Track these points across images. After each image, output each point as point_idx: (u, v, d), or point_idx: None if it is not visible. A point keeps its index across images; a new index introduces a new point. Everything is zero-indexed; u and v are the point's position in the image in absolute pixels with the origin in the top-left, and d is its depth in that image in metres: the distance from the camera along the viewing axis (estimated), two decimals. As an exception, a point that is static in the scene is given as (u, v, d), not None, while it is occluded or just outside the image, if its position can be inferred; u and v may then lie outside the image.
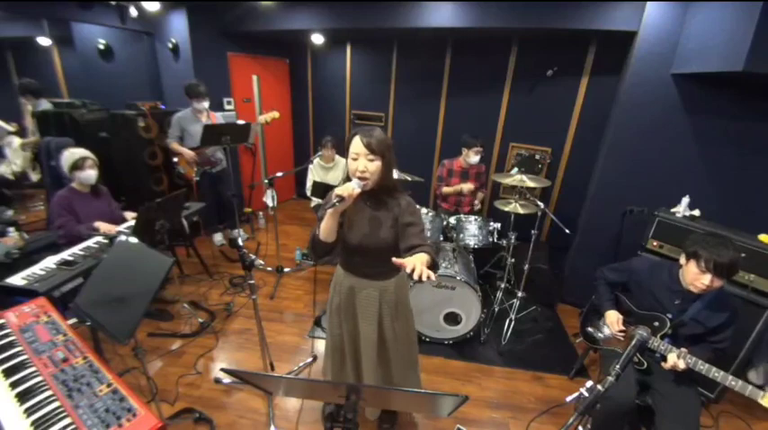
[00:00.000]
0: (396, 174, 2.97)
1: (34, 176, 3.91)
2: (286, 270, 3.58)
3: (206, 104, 3.43)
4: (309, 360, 2.52)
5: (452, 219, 2.91)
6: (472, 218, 2.86)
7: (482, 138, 3.21)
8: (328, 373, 1.86)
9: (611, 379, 1.13)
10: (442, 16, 3.17)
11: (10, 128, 3.67)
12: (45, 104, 3.69)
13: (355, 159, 1.36)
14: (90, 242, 2.35)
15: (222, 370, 1.18)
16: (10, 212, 3.80)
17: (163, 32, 4.07)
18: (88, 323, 1.57)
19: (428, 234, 2.77)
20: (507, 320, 2.89)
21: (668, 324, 1.73)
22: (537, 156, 4.05)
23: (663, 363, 1.66)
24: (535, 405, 2.30)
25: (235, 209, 3.43)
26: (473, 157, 3.20)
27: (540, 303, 3.23)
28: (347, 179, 1.43)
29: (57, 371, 1.29)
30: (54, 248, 2.34)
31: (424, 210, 2.80)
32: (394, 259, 1.10)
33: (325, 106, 5.18)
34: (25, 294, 1.80)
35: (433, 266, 1.16)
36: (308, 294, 3.25)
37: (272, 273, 3.57)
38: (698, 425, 1.65)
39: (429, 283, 2.56)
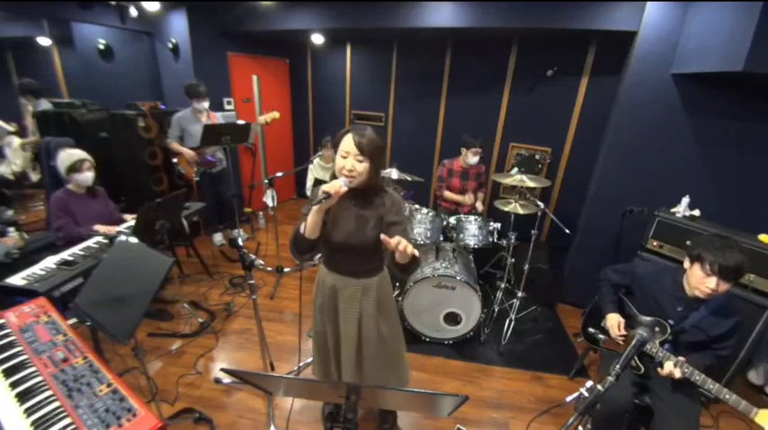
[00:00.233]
0: (396, 174, 3.00)
1: (34, 176, 3.92)
2: (286, 270, 3.58)
3: (206, 104, 3.43)
4: (309, 360, 2.52)
5: (452, 219, 2.91)
6: (472, 218, 2.86)
7: (482, 138, 3.21)
8: (317, 373, 1.86)
9: (611, 379, 1.13)
10: (442, 16, 3.17)
11: (10, 128, 3.68)
12: (45, 104, 3.69)
13: (344, 157, 1.36)
14: (90, 242, 2.35)
15: (222, 370, 1.18)
16: (10, 212, 3.81)
17: (163, 32, 4.07)
18: (88, 323, 1.57)
19: (428, 234, 2.77)
20: (507, 320, 2.89)
21: (669, 330, 1.70)
22: (537, 156, 4.05)
23: (659, 369, 1.63)
24: (535, 405, 2.30)
25: (235, 209, 3.43)
26: (471, 158, 3.20)
27: (540, 303, 3.23)
28: (334, 176, 1.42)
29: (57, 371, 1.29)
30: (54, 248, 2.34)
31: (424, 211, 2.80)
32: (382, 236, 1.15)
33: (325, 106, 5.18)
34: (25, 294, 1.80)
35: (413, 259, 1.23)
36: (308, 294, 3.23)
37: (272, 273, 3.57)
38: (698, 425, 1.65)
39: (429, 283, 2.59)
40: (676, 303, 1.72)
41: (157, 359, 2.47)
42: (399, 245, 1.12)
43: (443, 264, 2.64)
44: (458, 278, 2.51)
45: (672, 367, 1.57)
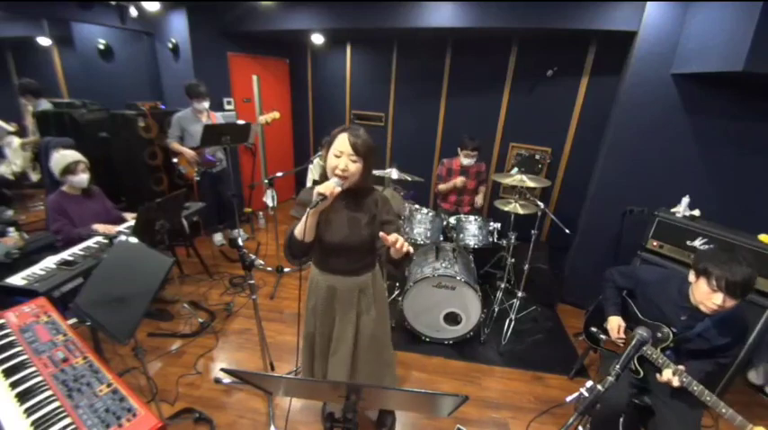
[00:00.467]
0: (396, 174, 3.00)
1: (34, 176, 3.92)
2: (286, 270, 3.58)
3: (206, 104, 3.43)
4: (309, 360, 2.52)
5: (452, 219, 2.91)
6: (472, 218, 2.86)
7: (482, 138, 3.21)
8: (304, 372, 1.85)
9: (611, 379, 1.13)
10: (442, 16, 3.17)
11: (10, 128, 3.68)
12: (45, 104, 3.70)
13: (338, 156, 1.37)
14: (90, 242, 2.35)
15: (222, 370, 1.18)
16: (10, 212, 3.81)
17: (163, 32, 4.07)
18: (88, 323, 1.57)
19: (428, 234, 2.77)
20: (507, 320, 2.89)
21: (670, 337, 1.67)
22: (537, 156, 4.05)
23: (657, 376, 1.61)
24: (535, 405, 2.30)
25: (235, 209, 3.43)
26: (464, 160, 3.21)
27: (540, 303, 3.23)
28: (324, 176, 1.42)
29: (57, 371, 1.29)
30: (54, 248, 2.34)
31: (424, 211, 2.80)
32: (381, 233, 1.18)
33: (325, 106, 5.18)
34: (25, 294, 1.80)
35: (406, 255, 1.24)
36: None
37: (272, 273, 3.57)
38: (698, 425, 1.65)
39: (429, 283, 2.59)
40: (680, 312, 1.67)
41: (157, 359, 2.47)
42: (397, 242, 1.15)
43: (443, 264, 2.64)
44: (458, 278, 2.51)
45: (670, 375, 1.55)
